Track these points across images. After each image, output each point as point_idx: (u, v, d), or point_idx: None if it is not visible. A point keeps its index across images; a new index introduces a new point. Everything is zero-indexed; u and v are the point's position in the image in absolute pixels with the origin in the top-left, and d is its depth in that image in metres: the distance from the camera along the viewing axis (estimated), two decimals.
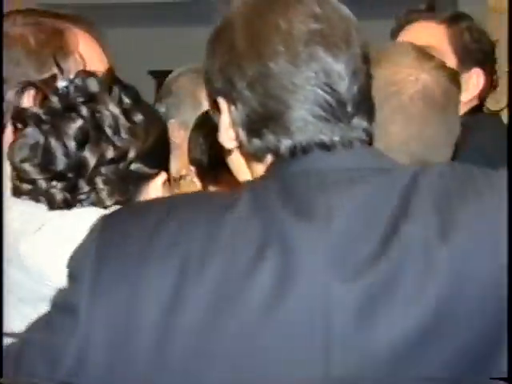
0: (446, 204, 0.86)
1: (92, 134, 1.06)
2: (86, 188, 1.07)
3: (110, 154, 1.07)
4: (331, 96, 0.90)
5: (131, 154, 1.09)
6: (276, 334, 0.82)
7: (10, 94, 1.17)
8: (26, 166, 1.07)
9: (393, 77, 1.20)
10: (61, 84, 1.10)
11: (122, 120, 1.09)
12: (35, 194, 1.07)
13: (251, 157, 0.96)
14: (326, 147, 0.90)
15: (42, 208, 1.07)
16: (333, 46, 0.91)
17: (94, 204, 1.08)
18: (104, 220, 0.90)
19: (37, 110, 1.08)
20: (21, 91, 1.16)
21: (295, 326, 0.82)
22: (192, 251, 0.84)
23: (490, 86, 1.86)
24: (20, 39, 1.19)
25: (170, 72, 2.21)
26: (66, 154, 1.06)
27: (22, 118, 1.09)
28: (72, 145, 1.06)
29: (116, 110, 1.09)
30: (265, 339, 0.82)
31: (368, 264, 0.83)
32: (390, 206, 0.85)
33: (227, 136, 0.98)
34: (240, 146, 0.97)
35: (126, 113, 1.10)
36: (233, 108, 0.94)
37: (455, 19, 1.85)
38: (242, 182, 1.01)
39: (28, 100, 1.13)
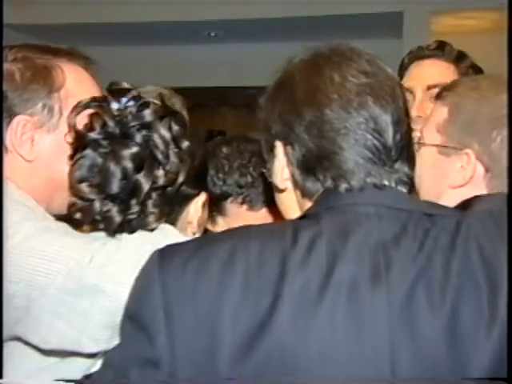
0: (492, 251, 0.90)
1: (147, 160, 1.10)
2: (136, 210, 1.10)
3: (162, 179, 1.10)
4: (378, 141, 0.97)
5: (180, 179, 1.13)
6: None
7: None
8: (83, 187, 1.10)
9: None
10: (114, 106, 1.14)
11: (172, 146, 1.12)
12: (89, 213, 1.11)
13: (304, 194, 1.01)
14: (377, 187, 0.97)
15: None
16: (380, 98, 0.98)
17: (139, 226, 1.11)
18: (160, 259, 0.93)
19: (95, 134, 1.11)
20: (8, 122, 1.20)
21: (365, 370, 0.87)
22: (265, 287, 0.88)
23: None
24: (7, 75, 1.21)
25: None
26: (124, 177, 1.09)
27: (81, 141, 1.12)
28: (130, 168, 1.09)
29: (167, 138, 1.12)
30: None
31: (428, 311, 0.87)
32: (442, 250, 0.90)
33: (281, 177, 1.04)
34: (294, 185, 1.03)
35: (175, 139, 1.13)
36: (289, 149, 1.01)
37: (461, 58, 1.89)
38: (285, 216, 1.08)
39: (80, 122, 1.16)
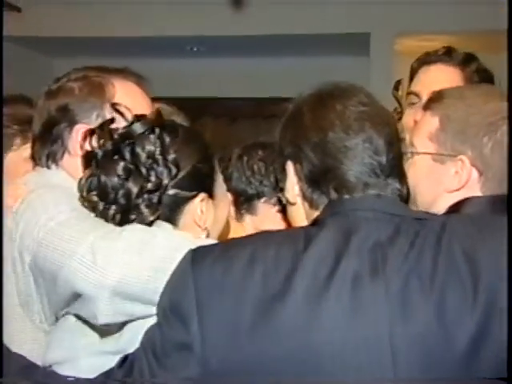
0: (471, 246, 1.00)
1: (133, 171, 1.23)
2: (132, 211, 1.23)
3: (148, 185, 1.22)
4: (373, 159, 1.08)
5: (165, 183, 1.23)
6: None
7: (60, 132, 1.36)
8: (91, 196, 1.24)
9: (502, 110, 1.27)
10: (117, 126, 1.27)
11: (159, 156, 1.24)
12: (97, 213, 1.24)
13: (312, 206, 1.12)
14: (374, 196, 1.08)
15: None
16: (376, 123, 1.10)
17: (139, 223, 1.22)
18: (193, 259, 1.04)
19: (97, 152, 1.25)
20: (69, 130, 1.35)
21: (365, 354, 0.96)
22: (280, 281, 0.98)
23: None
24: (69, 92, 1.37)
25: None
26: (113, 187, 1.22)
27: (87, 158, 1.28)
28: (116, 180, 1.22)
29: (152, 150, 1.24)
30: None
31: (420, 297, 0.97)
32: (430, 247, 1.00)
33: (293, 192, 1.15)
34: (303, 198, 1.14)
35: (164, 149, 1.24)
36: (298, 166, 1.13)
37: (467, 62, 1.86)
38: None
39: (81, 139, 1.32)
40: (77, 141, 1.34)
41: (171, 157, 1.24)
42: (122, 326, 1.18)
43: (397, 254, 0.99)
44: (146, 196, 1.22)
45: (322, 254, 1.00)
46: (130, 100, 1.36)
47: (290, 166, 1.14)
